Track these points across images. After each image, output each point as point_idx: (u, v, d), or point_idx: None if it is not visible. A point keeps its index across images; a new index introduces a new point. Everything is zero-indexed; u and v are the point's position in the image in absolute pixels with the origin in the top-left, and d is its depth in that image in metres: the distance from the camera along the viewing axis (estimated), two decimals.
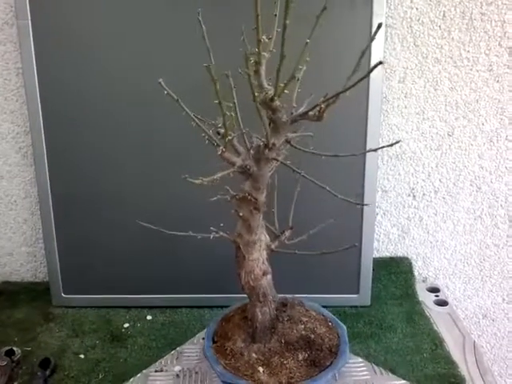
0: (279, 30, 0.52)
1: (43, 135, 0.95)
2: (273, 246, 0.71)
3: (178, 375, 0.78)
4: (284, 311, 0.72)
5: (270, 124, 0.58)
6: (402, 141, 1.06)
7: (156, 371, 0.79)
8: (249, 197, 0.63)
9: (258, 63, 0.50)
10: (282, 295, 0.75)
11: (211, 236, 0.68)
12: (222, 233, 0.69)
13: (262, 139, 0.58)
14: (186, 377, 0.77)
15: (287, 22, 0.45)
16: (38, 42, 0.91)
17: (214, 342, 0.72)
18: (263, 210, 0.66)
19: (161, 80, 0.54)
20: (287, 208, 0.73)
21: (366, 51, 0.48)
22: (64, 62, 0.92)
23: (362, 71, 0.50)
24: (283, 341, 0.68)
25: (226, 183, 0.62)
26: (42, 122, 0.95)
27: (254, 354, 0.67)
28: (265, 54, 0.50)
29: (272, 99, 0.54)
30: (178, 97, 0.56)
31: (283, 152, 0.65)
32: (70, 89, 0.93)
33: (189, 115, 0.56)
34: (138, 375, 0.78)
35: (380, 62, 0.44)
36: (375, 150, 0.53)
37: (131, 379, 0.78)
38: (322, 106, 0.51)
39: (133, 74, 0.92)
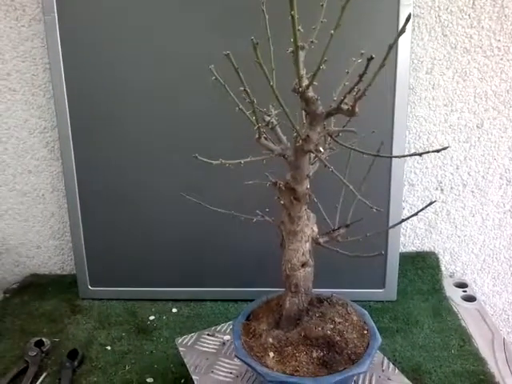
0: (324, 20, 0.52)
1: (70, 130, 0.97)
2: (321, 241, 0.70)
3: (224, 343, 0.83)
4: (318, 307, 0.71)
5: (306, 116, 0.58)
6: (430, 133, 1.04)
7: (208, 335, 0.86)
8: (284, 186, 0.63)
9: (295, 53, 0.50)
10: (330, 292, 0.75)
11: (254, 219, 0.70)
12: (266, 217, 0.70)
13: (294, 130, 0.58)
14: (229, 347, 0.82)
15: (293, 12, 0.44)
16: (64, 38, 0.92)
17: (249, 319, 0.74)
18: (305, 202, 0.65)
19: (212, 66, 0.54)
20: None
21: (393, 45, 0.47)
22: (91, 56, 0.93)
23: (388, 65, 0.49)
24: (303, 334, 0.67)
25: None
26: (68, 116, 0.96)
27: (270, 339, 0.67)
28: (304, 44, 0.50)
29: (298, 90, 0.53)
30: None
31: (328, 147, 0.64)
32: (96, 84, 0.94)
33: (235, 101, 0.57)
34: (192, 334, 0.86)
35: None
36: (420, 155, 0.51)
37: (185, 336, 0.85)
38: (352, 100, 0.51)
39: (161, 68, 0.92)
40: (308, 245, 0.69)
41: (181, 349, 0.82)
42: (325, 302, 0.73)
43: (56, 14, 0.91)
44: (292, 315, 0.70)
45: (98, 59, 0.93)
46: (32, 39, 1.01)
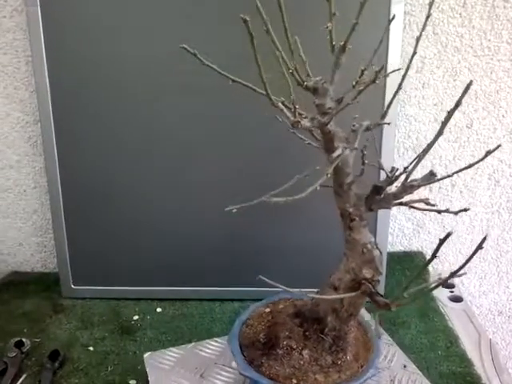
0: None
1: (52, 124, 0.94)
2: (363, 288, 0.59)
3: None
4: (315, 337, 0.66)
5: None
6: (419, 132, 1.04)
7: None
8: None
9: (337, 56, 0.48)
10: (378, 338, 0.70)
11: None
12: None
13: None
14: None
15: None
16: (47, 29, 0.89)
17: None
18: (347, 225, 0.59)
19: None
20: None
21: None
22: (74, 49, 0.90)
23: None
24: (273, 329, 0.69)
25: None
26: (51, 111, 0.93)
27: (281, 305, 0.74)
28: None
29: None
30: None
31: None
32: (80, 77, 0.92)
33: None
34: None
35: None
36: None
37: None
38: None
39: (146, 62, 0.90)
40: (348, 277, 0.60)
41: None
42: (327, 344, 0.66)
43: (39, 5, 0.88)
44: (289, 312, 0.70)
45: (82, 52, 0.90)
46: (14, 31, 0.98)
